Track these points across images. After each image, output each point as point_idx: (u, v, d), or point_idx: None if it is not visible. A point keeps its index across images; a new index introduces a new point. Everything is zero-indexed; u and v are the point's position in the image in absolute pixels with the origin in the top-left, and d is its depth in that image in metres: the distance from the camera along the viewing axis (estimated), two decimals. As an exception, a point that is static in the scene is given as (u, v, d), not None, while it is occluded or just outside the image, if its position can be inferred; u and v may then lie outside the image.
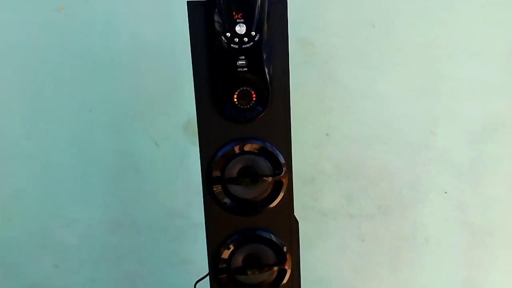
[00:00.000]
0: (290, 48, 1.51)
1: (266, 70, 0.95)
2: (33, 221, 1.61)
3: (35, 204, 1.60)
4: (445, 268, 1.71)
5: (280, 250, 1.06)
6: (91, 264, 1.66)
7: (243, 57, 0.94)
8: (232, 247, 1.04)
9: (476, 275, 1.71)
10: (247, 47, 0.93)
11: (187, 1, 0.92)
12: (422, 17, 1.51)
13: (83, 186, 1.60)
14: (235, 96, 0.95)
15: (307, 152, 1.61)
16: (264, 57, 0.95)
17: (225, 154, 1.00)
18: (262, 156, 1.01)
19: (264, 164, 1.01)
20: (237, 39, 0.93)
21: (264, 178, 1.02)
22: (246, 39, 0.93)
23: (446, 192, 1.65)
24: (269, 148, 1.01)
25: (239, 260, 1.05)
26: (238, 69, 0.94)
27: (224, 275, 1.05)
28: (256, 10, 0.92)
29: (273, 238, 1.06)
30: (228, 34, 0.92)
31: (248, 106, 0.97)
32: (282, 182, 1.03)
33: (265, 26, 0.93)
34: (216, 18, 0.91)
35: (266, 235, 1.05)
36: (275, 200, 1.03)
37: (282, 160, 1.01)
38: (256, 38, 0.93)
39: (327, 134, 1.59)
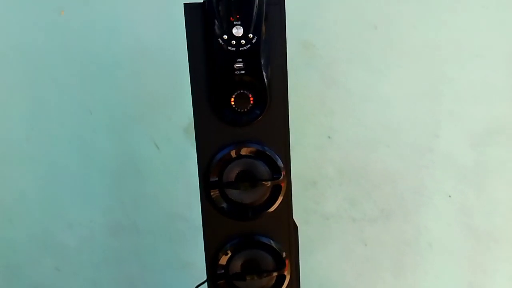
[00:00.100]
0: (291, 50, 1.50)
1: (264, 73, 0.94)
2: (34, 223, 1.61)
3: (36, 206, 1.60)
4: (449, 273, 1.69)
5: (279, 255, 1.04)
6: (92, 267, 1.66)
7: (241, 59, 0.92)
8: (230, 253, 1.02)
9: (481, 280, 1.68)
10: (245, 50, 0.92)
11: (184, 3, 0.91)
12: (425, 19, 1.50)
13: (84, 189, 1.59)
14: (233, 99, 0.94)
15: (309, 155, 1.60)
16: (262, 59, 0.93)
17: (222, 158, 0.98)
18: (260, 160, 1.00)
19: (262, 168, 1.00)
20: (234, 42, 0.92)
21: (263, 182, 1.00)
22: (243, 42, 0.92)
23: (450, 196, 1.63)
24: (267, 152, 0.99)
25: (237, 265, 1.04)
26: (236, 72, 0.93)
27: (222, 281, 1.04)
28: (254, 12, 0.91)
29: (272, 243, 1.04)
30: (225, 37, 0.91)
31: (245, 110, 0.95)
32: (280, 186, 1.01)
33: (263, 28, 0.92)
34: (213, 20, 0.90)
35: (264, 240, 1.04)
36: (274, 205, 1.02)
37: (280, 164, 1.00)
38: (254, 41, 0.92)
39: (329, 137, 1.58)
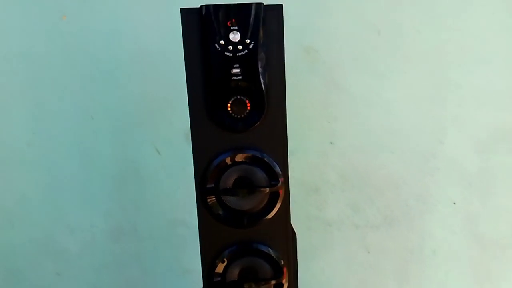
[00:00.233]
0: (294, 55, 1.51)
1: (261, 78, 0.93)
2: (35, 227, 1.61)
3: (38, 211, 1.60)
4: (453, 281, 1.67)
5: (277, 263, 1.03)
6: (93, 272, 1.65)
7: (238, 65, 0.91)
8: (226, 261, 1.01)
9: (486, 289, 1.66)
10: (242, 55, 0.91)
11: (180, 8, 0.91)
12: (429, 24, 1.48)
13: (85, 193, 1.59)
14: (229, 104, 0.93)
15: (311, 161, 1.58)
16: (259, 65, 0.92)
17: (219, 164, 0.97)
18: (258, 166, 0.98)
19: (260, 175, 0.98)
20: (231, 47, 0.91)
21: (261, 189, 0.99)
22: (240, 47, 0.91)
23: (454, 203, 1.61)
24: (265, 159, 0.98)
25: (234, 273, 1.02)
26: (232, 78, 0.92)
27: (219, 289, 1.03)
28: (251, 17, 0.90)
29: (270, 251, 1.03)
30: (222, 42, 0.90)
31: (242, 115, 0.94)
32: (278, 193, 1.00)
33: (260, 34, 0.91)
34: (210, 25, 0.89)
35: (262, 248, 1.02)
36: (272, 212, 1.00)
37: (278, 170, 0.99)
38: (251, 46, 0.91)
39: (331, 143, 1.57)
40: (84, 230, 1.62)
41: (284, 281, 1.04)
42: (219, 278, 1.02)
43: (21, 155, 1.55)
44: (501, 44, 1.48)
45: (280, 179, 0.99)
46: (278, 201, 1.00)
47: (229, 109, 0.93)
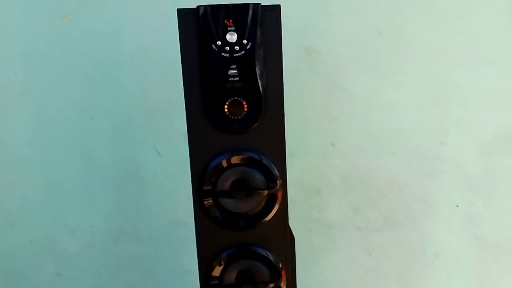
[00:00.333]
0: (295, 56, 1.50)
1: (259, 79, 0.92)
2: (36, 228, 1.61)
3: (38, 212, 1.60)
4: (456, 284, 1.65)
5: (275, 266, 1.02)
6: (93, 273, 1.65)
7: (235, 66, 0.90)
8: (223, 263, 1.00)
9: (488, 293, 1.65)
10: (239, 56, 0.90)
11: (177, 9, 0.90)
12: (431, 24, 1.47)
13: (85, 194, 1.59)
14: (226, 106, 0.92)
15: (312, 162, 1.57)
16: (257, 66, 0.91)
17: (217, 166, 0.96)
18: (255, 168, 0.97)
19: (257, 177, 0.97)
20: (228, 48, 0.90)
21: (259, 191, 0.98)
22: (237, 48, 0.90)
23: (457, 205, 1.60)
24: (263, 161, 0.97)
25: (231, 276, 1.02)
26: (229, 79, 0.91)
27: (216, 292, 1.02)
28: (248, 18, 0.89)
29: (267, 254, 1.02)
30: (219, 43, 0.89)
31: (240, 117, 0.93)
32: (276, 196, 0.98)
33: (258, 34, 0.90)
34: (207, 25, 0.88)
35: (259, 251, 1.01)
36: (269, 215, 0.99)
37: (276, 173, 0.98)
38: (248, 47, 0.90)
39: (332, 144, 1.55)
40: (84, 231, 1.61)
41: (282, 284, 1.03)
42: (216, 281, 1.01)
43: (22, 155, 1.55)
44: (503, 44, 1.46)
45: (278, 181, 0.98)
46: (276, 203, 0.99)
47: (226, 110, 0.92)
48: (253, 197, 0.98)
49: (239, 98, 0.92)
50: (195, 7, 0.90)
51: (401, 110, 1.53)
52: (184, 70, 0.93)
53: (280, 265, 1.03)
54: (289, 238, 1.04)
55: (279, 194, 0.99)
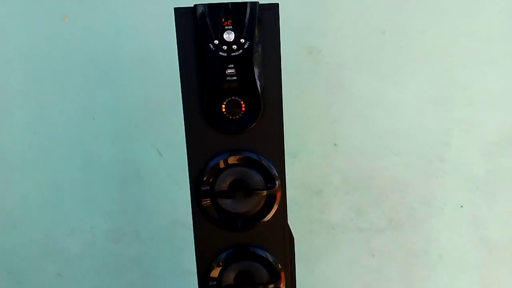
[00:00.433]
0: (296, 56, 1.49)
1: (257, 79, 0.91)
2: (37, 228, 1.61)
3: (39, 212, 1.60)
4: (459, 286, 1.64)
5: (274, 267, 1.01)
6: (93, 273, 1.64)
7: (232, 65, 0.89)
8: (222, 264, 0.99)
9: (493, 295, 1.63)
10: (236, 55, 0.89)
11: (174, 8, 0.89)
12: (435, 24, 1.45)
13: (85, 194, 1.58)
14: (224, 106, 0.91)
15: (314, 163, 1.56)
16: (255, 65, 0.90)
17: (215, 167, 0.95)
18: (254, 168, 0.96)
19: (256, 178, 0.96)
20: (226, 47, 0.89)
21: (258, 191, 0.97)
22: (235, 47, 0.89)
23: (461, 206, 1.58)
24: (262, 161, 0.96)
25: (230, 277, 1.01)
26: (227, 78, 0.90)
27: (215, 293, 1.01)
28: (246, 16, 0.88)
29: (266, 255, 1.01)
30: (216, 42, 0.88)
31: (237, 117, 0.92)
32: (275, 196, 0.97)
33: (256, 33, 0.89)
34: (204, 24, 0.88)
35: (258, 251, 1.00)
36: (268, 215, 0.98)
37: (275, 173, 0.97)
38: (246, 46, 0.89)
39: (335, 144, 1.54)
40: (85, 231, 1.61)
41: (281, 286, 1.02)
42: (215, 282, 1.00)
43: (22, 156, 1.55)
44: (507, 45, 1.45)
45: (277, 182, 0.97)
46: (275, 204, 0.98)
47: (224, 110, 0.91)
48: (251, 198, 0.97)
49: (237, 98, 0.91)
50: (192, 5, 0.89)
51: (404, 110, 1.52)
52: (181, 70, 0.92)
53: (279, 266, 1.01)
54: (289, 239, 1.02)
55: (278, 195, 0.98)
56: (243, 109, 0.92)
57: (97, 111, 1.52)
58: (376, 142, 1.54)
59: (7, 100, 1.51)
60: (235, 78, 0.90)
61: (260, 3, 0.89)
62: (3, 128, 1.53)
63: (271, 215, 0.99)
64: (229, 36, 0.88)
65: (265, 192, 0.97)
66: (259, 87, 0.91)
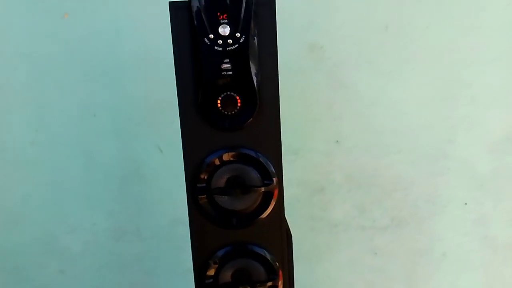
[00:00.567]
0: (298, 52, 1.47)
1: (253, 74, 0.90)
2: (38, 226, 1.61)
3: (41, 210, 1.59)
4: (464, 285, 1.62)
5: (271, 265, 0.99)
6: (95, 271, 1.64)
7: (228, 60, 0.88)
8: (218, 262, 0.98)
9: (498, 294, 1.61)
10: (232, 50, 0.88)
11: (169, 2, 0.88)
12: (439, 19, 1.43)
13: (87, 192, 1.58)
14: (219, 101, 0.90)
15: (316, 160, 1.54)
16: (251, 60, 0.89)
17: (211, 163, 0.94)
18: (251, 165, 0.95)
19: (253, 174, 0.95)
20: (221, 41, 0.87)
21: (255, 188, 0.95)
22: (230, 41, 0.87)
23: (466, 204, 1.56)
24: (259, 158, 0.95)
25: (227, 276, 0.99)
26: (223, 73, 0.89)
27: (212, 291, 1.00)
28: (242, 10, 0.87)
29: (264, 252, 0.99)
30: (212, 36, 0.87)
31: (233, 112, 0.91)
32: (272, 193, 0.96)
33: (252, 28, 0.88)
34: (199, 19, 0.86)
35: (255, 249, 0.99)
36: (265, 212, 0.97)
37: (272, 170, 0.95)
38: (242, 40, 0.88)
39: (337, 141, 1.53)
40: (86, 229, 1.60)
41: (279, 284, 1.01)
42: (211, 280, 0.99)
43: (24, 154, 1.55)
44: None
45: (274, 179, 0.96)
46: (272, 201, 0.97)
47: (219, 105, 0.90)
48: (248, 195, 0.96)
49: (232, 93, 0.90)
50: (187, 0, 0.88)
51: (408, 107, 1.50)
52: (176, 65, 0.91)
53: (277, 264, 1.00)
54: (286, 237, 1.01)
55: (275, 192, 0.97)
56: (239, 104, 0.91)
57: (98, 110, 1.52)
58: (379, 140, 1.52)
59: (8, 99, 1.51)
60: (230, 73, 0.89)
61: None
62: (4, 127, 1.52)
63: (268, 213, 0.97)
64: (224, 30, 0.87)
65: (262, 189, 0.96)
66: (255, 83, 0.90)
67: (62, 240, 1.61)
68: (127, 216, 1.59)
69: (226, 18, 0.87)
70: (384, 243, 1.60)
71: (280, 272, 1.01)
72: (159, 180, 1.57)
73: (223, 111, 0.91)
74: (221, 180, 0.96)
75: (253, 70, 0.90)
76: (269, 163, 0.95)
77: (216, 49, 0.88)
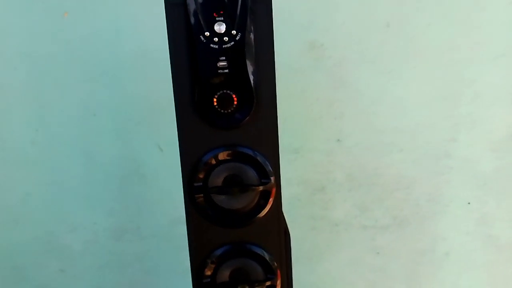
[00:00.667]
0: (298, 50, 1.46)
1: (249, 71, 0.89)
2: (39, 225, 1.61)
3: (41, 210, 1.59)
4: (466, 284, 1.61)
5: (268, 264, 0.99)
6: (95, 270, 1.64)
7: (224, 57, 0.87)
8: (216, 261, 0.98)
9: (500, 294, 1.59)
10: (228, 47, 0.87)
11: (164, 0, 0.87)
12: (441, 16, 1.42)
13: (87, 191, 1.58)
14: (215, 99, 0.89)
15: (317, 159, 1.53)
16: (247, 57, 0.88)
17: (207, 162, 0.93)
18: (248, 164, 0.94)
19: (250, 173, 0.94)
20: (217, 39, 0.87)
21: (253, 187, 0.95)
22: (226, 39, 0.87)
23: (469, 203, 1.55)
24: (256, 157, 0.94)
25: (225, 275, 0.99)
26: (219, 71, 0.88)
27: (209, 291, 0.99)
28: (238, 7, 0.86)
29: (261, 252, 0.99)
30: (207, 33, 0.86)
31: (229, 111, 0.90)
32: (269, 192, 0.95)
33: (248, 25, 0.87)
34: (194, 16, 0.86)
35: (253, 248, 0.98)
36: (262, 212, 0.96)
37: (269, 168, 0.94)
38: (238, 37, 0.87)
39: (338, 140, 1.52)
40: (87, 229, 1.60)
41: (277, 283, 1.00)
42: (209, 280, 0.98)
43: (25, 153, 1.55)
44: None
45: (271, 177, 0.95)
46: (270, 200, 0.96)
47: (215, 104, 0.89)
48: (246, 194, 0.95)
49: (228, 91, 0.89)
50: (183, -3, 0.87)
51: (409, 106, 1.49)
52: (172, 63, 0.90)
53: (275, 263, 0.99)
54: (284, 235, 1.00)
55: (273, 190, 0.96)
56: (235, 102, 0.90)
57: (98, 110, 1.51)
58: (381, 138, 1.51)
59: (8, 99, 1.51)
60: (226, 71, 0.88)
61: (252, -7, 0.87)
62: (4, 126, 1.53)
63: (265, 211, 0.96)
64: (220, 27, 0.86)
65: (260, 188, 0.95)
66: (251, 80, 0.89)
67: (62, 239, 1.61)
68: (127, 216, 1.59)
69: (222, 15, 0.86)
70: (385, 243, 1.59)
71: (278, 272, 1.00)
72: (159, 179, 1.56)
73: (219, 109, 0.90)
74: (218, 179, 0.95)
75: (250, 68, 0.89)
76: (267, 161, 0.95)
77: (212, 47, 0.87)
